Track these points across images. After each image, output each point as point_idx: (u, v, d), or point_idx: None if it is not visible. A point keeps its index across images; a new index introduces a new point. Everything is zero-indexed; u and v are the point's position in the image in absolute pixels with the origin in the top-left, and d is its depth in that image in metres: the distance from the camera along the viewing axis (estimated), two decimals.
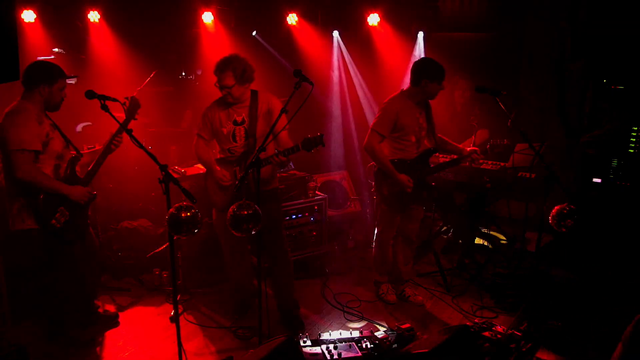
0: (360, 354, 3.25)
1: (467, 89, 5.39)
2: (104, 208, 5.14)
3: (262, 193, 3.21)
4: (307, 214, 4.90)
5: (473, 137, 4.90)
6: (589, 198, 4.58)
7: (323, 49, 6.69)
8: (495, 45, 6.20)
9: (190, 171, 4.88)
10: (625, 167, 4.40)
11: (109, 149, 3.57)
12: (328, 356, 3.19)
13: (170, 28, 6.53)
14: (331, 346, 3.28)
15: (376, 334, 3.42)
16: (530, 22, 6.02)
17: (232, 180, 3.78)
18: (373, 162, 4.17)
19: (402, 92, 4.10)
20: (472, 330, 3.38)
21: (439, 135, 4.25)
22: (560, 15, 5.36)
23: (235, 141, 3.75)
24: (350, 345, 3.31)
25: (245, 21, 6.62)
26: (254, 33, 6.71)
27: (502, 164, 4.84)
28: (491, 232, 5.46)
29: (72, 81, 4.90)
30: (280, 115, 3.40)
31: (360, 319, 4.18)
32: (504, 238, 5.55)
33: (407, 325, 3.51)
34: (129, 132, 2.98)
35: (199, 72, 7.10)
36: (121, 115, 3.52)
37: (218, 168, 3.79)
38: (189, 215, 2.80)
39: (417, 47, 6.35)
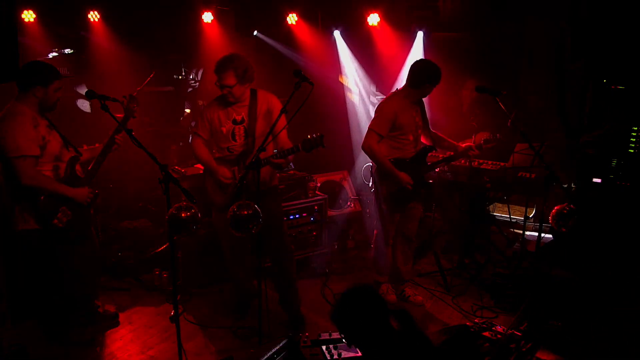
0: (360, 353, 3.24)
1: (474, 89, 5.40)
2: (104, 208, 5.14)
3: (262, 192, 3.21)
4: (307, 214, 4.90)
5: (473, 137, 4.90)
6: (589, 198, 4.57)
7: (323, 48, 6.69)
8: (494, 45, 6.19)
9: (190, 171, 4.88)
10: (625, 167, 4.40)
11: (109, 148, 3.56)
12: (328, 356, 3.18)
13: (170, 28, 6.54)
14: (331, 346, 3.28)
15: None
16: (530, 22, 6.02)
17: (232, 180, 3.78)
18: (371, 162, 4.18)
19: (398, 91, 4.11)
20: (472, 330, 3.38)
21: (434, 131, 4.26)
22: (560, 15, 5.35)
23: (235, 140, 3.75)
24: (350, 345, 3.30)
25: (246, 21, 6.62)
26: (255, 33, 6.71)
27: (502, 164, 4.84)
28: (491, 232, 5.46)
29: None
30: (280, 115, 3.40)
31: None
32: (504, 238, 5.55)
33: None
34: (129, 131, 2.98)
35: (200, 72, 7.10)
36: (121, 116, 3.52)
37: (218, 167, 3.78)
38: (189, 215, 2.80)
39: (416, 47, 6.35)
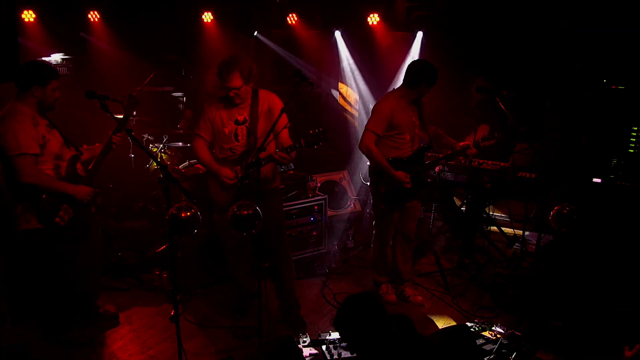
0: None
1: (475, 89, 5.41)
2: (104, 208, 5.15)
3: (263, 192, 3.20)
4: (307, 214, 4.90)
5: (473, 132, 4.90)
6: (589, 198, 4.58)
7: (323, 48, 6.69)
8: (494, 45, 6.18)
9: (190, 171, 4.88)
10: (625, 167, 4.40)
11: (109, 147, 3.56)
12: (328, 356, 3.19)
13: (170, 28, 6.55)
14: (331, 346, 3.28)
15: None
16: (530, 22, 6.01)
17: (235, 180, 3.76)
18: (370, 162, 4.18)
19: (395, 91, 4.12)
20: (472, 330, 3.38)
21: (434, 127, 4.25)
22: (560, 15, 5.35)
23: (237, 140, 3.74)
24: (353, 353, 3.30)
25: (246, 21, 6.63)
26: (255, 33, 6.72)
27: (502, 164, 4.84)
28: (491, 232, 5.47)
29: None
30: (280, 114, 3.40)
31: None
32: (504, 238, 5.55)
33: None
34: (129, 131, 2.98)
35: (199, 73, 7.10)
36: (121, 116, 3.52)
37: (220, 168, 3.77)
38: (189, 215, 2.80)
39: (416, 46, 6.34)
